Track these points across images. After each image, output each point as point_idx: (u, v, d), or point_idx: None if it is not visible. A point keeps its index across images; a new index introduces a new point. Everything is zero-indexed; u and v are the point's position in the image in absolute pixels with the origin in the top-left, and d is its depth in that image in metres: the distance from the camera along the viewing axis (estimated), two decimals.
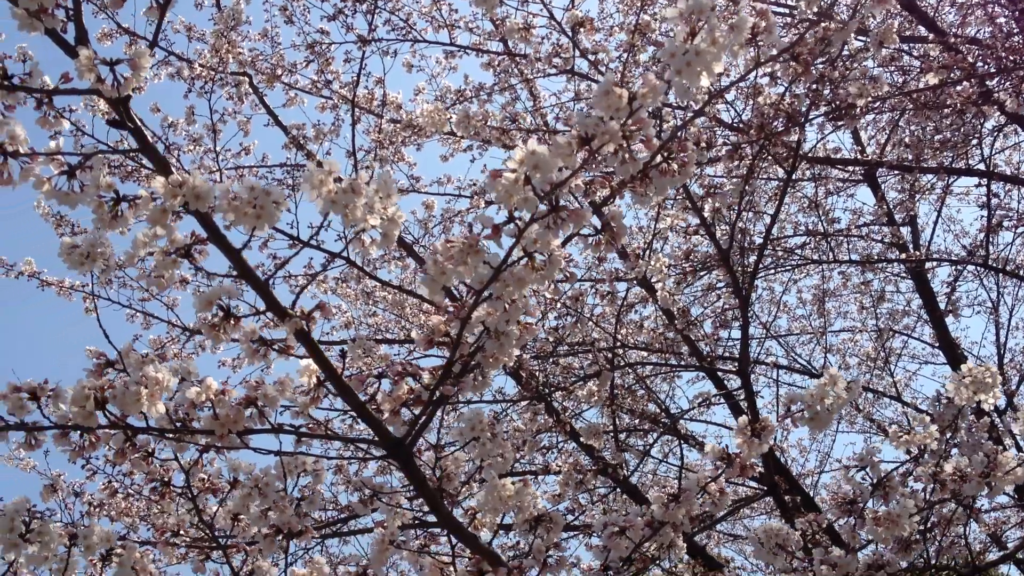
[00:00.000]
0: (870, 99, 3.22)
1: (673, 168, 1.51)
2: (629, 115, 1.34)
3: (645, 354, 5.21)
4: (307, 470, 1.91)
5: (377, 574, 1.94)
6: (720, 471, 1.94)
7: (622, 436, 4.97)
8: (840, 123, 3.30)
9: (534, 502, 1.82)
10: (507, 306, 1.48)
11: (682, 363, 5.35)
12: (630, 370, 5.02)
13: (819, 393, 1.93)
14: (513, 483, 1.80)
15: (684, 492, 1.89)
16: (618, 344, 4.40)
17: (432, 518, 2.04)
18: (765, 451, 1.93)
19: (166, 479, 1.96)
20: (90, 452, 1.70)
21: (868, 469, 2.22)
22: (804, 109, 3.19)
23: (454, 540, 1.90)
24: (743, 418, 1.94)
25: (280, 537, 1.92)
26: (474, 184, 5.40)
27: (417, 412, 1.64)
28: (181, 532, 2.05)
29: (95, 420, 1.56)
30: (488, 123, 3.77)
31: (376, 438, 1.66)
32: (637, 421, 5.32)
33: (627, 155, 1.37)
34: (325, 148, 5.12)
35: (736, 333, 5.65)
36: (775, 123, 3.23)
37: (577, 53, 4.30)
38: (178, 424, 1.67)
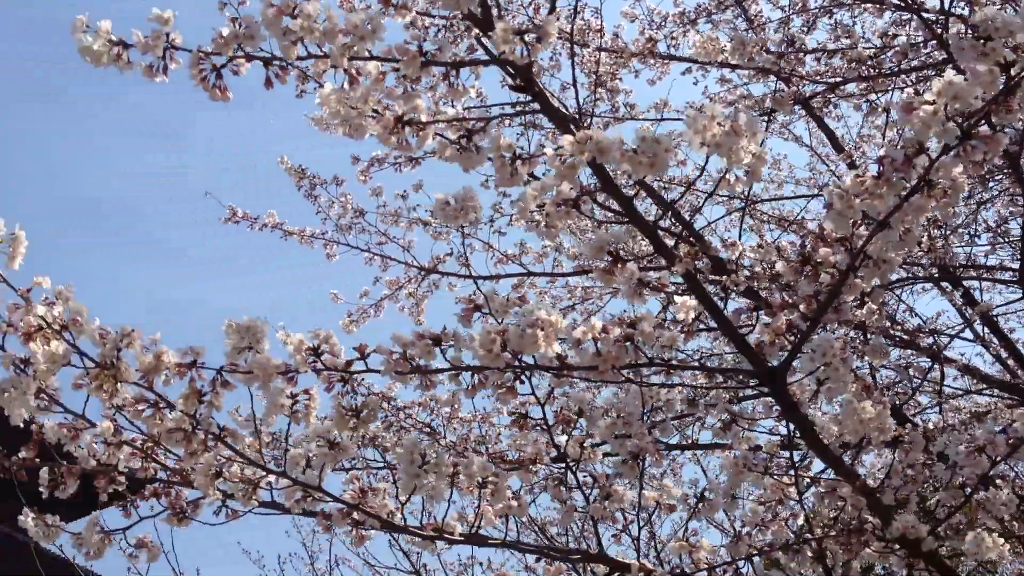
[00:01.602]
0: None
1: None
2: None
3: None
4: (660, 400, 2.03)
5: (728, 493, 2.05)
6: None
7: None
8: None
9: (892, 424, 1.88)
10: (901, 234, 1.52)
11: None
12: None
13: None
14: (872, 405, 1.87)
15: None
16: None
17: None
18: None
19: (524, 412, 2.11)
20: (480, 391, 1.85)
21: None
22: None
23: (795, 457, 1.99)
24: None
25: (634, 461, 2.04)
26: (691, 106, 5.38)
27: (791, 341, 1.72)
28: (537, 460, 2.21)
29: (501, 361, 1.71)
30: (764, 49, 3.75)
31: (751, 368, 1.75)
32: None
33: None
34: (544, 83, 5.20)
35: None
36: None
37: None
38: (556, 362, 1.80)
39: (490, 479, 2.03)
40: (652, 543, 5.33)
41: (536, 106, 1.62)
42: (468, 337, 1.75)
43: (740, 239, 4.06)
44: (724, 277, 2.55)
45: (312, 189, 5.19)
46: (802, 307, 1.68)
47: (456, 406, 4.48)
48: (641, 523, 2.12)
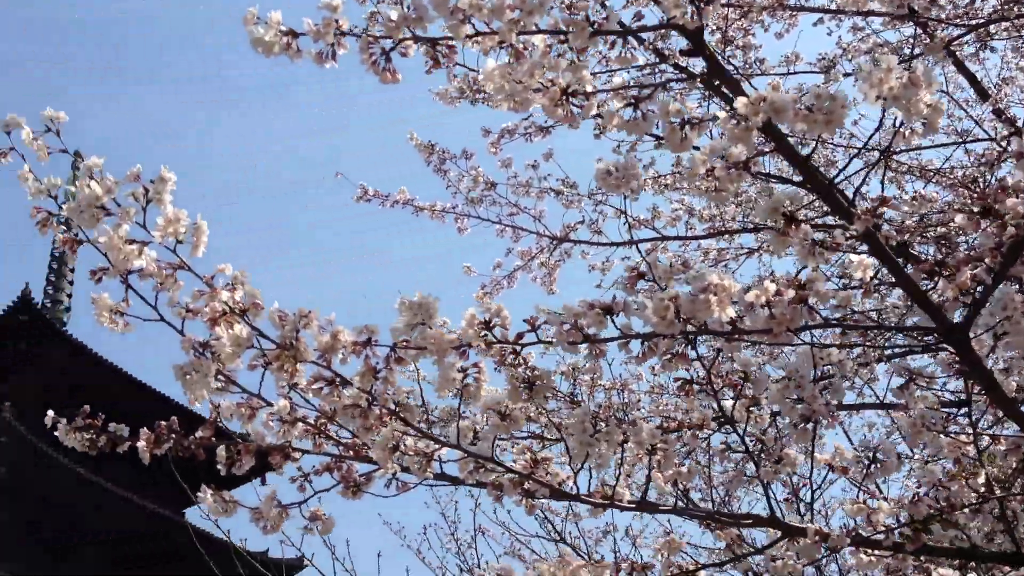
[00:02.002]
0: None
1: None
2: None
3: None
4: (831, 362, 1.99)
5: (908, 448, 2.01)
6: None
7: None
8: None
9: None
10: None
11: None
12: None
13: None
14: None
15: None
16: None
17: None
18: None
19: (690, 378, 2.10)
20: (651, 358, 1.85)
21: None
22: None
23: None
24: None
25: (806, 424, 2.02)
26: (823, 58, 5.22)
27: (973, 295, 1.67)
28: (704, 426, 2.20)
29: (675, 328, 1.70)
30: None
31: (932, 324, 1.71)
32: None
33: None
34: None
35: None
36: None
37: None
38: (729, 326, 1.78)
39: (659, 446, 2.04)
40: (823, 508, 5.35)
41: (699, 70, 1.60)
42: (639, 305, 1.75)
43: (883, 191, 3.95)
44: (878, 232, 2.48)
45: (442, 164, 5.24)
46: (987, 260, 1.63)
47: (597, 374, 4.48)
48: (813, 487, 2.09)
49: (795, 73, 5.33)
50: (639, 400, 4.87)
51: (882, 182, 4.33)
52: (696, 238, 5.28)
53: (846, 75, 4.88)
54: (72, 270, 35.61)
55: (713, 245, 5.41)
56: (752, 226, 4.99)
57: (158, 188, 1.72)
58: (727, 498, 5.20)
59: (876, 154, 5.11)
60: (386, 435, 1.99)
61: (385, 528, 8.00)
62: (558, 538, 5.70)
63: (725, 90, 2.03)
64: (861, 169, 5.61)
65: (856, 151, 2.26)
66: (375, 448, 1.98)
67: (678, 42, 4.37)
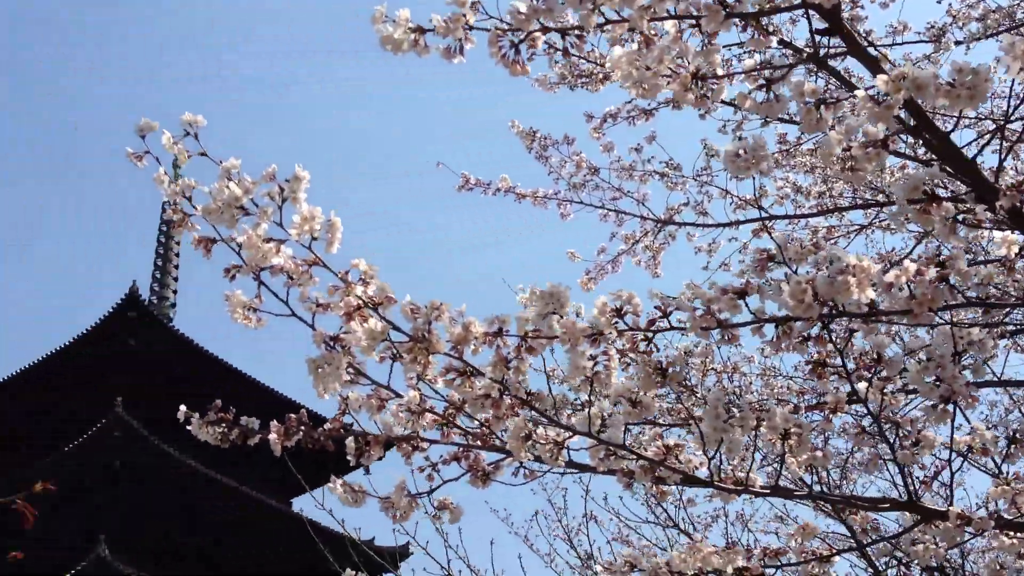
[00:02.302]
0: None
1: None
2: None
3: None
4: (972, 340, 1.94)
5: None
6: None
7: None
8: None
9: None
10: None
11: None
12: None
13: None
14: None
15: None
16: None
17: None
18: None
19: (823, 360, 2.07)
20: (787, 342, 1.83)
21: None
22: None
23: None
24: None
25: (945, 405, 1.97)
26: (932, 26, 5.06)
27: None
28: (838, 409, 2.17)
29: (813, 311, 1.68)
30: None
31: None
32: None
33: None
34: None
35: None
36: None
37: None
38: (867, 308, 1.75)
39: (793, 430, 2.01)
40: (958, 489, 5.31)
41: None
42: (774, 288, 1.73)
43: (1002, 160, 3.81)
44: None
45: (544, 150, 5.24)
46: None
47: (709, 358, 4.44)
48: (953, 469, 2.04)
49: (902, 44, 5.19)
50: (751, 383, 4.81)
51: (1001, 152, 4.18)
52: (804, 216, 5.19)
53: (957, 43, 4.73)
54: (176, 267, 36.64)
55: (822, 223, 5.31)
56: (862, 202, 4.88)
57: (293, 187, 1.76)
58: (843, 481, 5.12)
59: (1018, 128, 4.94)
60: (518, 424, 2.00)
61: (492, 516, 8.06)
62: (670, 523, 5.67)
63: (833, 66, 1.99)
64: (976, 140, 5.45)
65: (998, 125, 2.19)
66: (509, 437, 1.99)
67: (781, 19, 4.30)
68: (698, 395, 4.07)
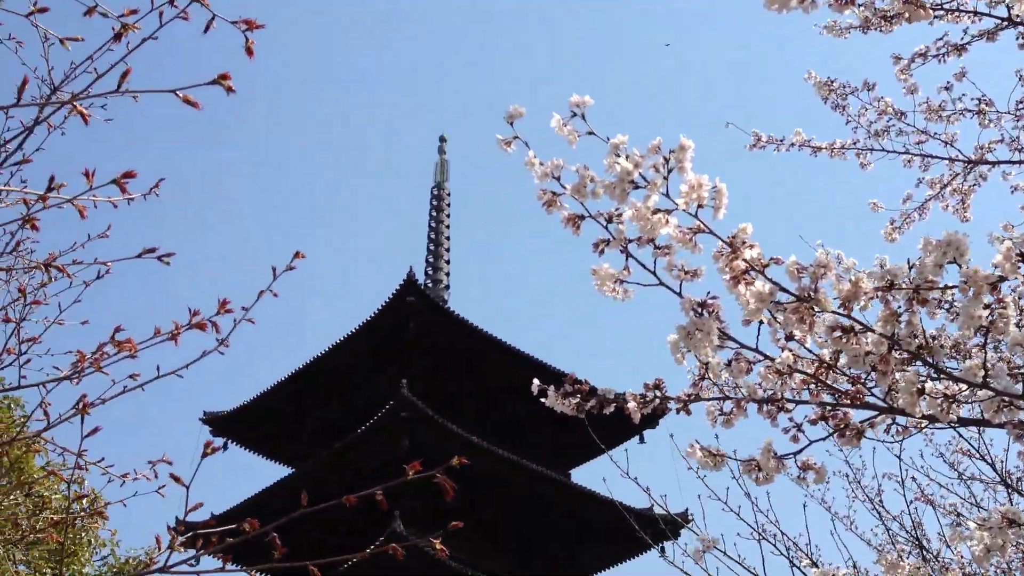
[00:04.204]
0: None
1: None
2: None
3: None
4: None
5: None
6: None
7: None
8: None
9: None
10: None
11: None
12: None
13: None
14: None
15: None
16: None
17: None
18: None
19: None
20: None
21: None
22: None
23: None
24: None
25: None
26: None
27: None
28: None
29: None
30: None
31: None
32: None
33: None
34: None
35: None
36: None
37: None
38: None
39: None
40: None
41: None
42: None
43: None
44: None
45: (843, 99, 5.05)
46: None
47: None
48: None
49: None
50: None
51: None
52: None
53: None
54: (447, 250, 38.08)
55: None
56: None
57: (679, 156, 1.78)
58: None
59: None
60: (910, 378, 1.96)
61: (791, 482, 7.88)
62: (1001, 480, 5.36)
63: None
64: None
65: None
66: (902, 392, 1.95)
67: None
68: None
